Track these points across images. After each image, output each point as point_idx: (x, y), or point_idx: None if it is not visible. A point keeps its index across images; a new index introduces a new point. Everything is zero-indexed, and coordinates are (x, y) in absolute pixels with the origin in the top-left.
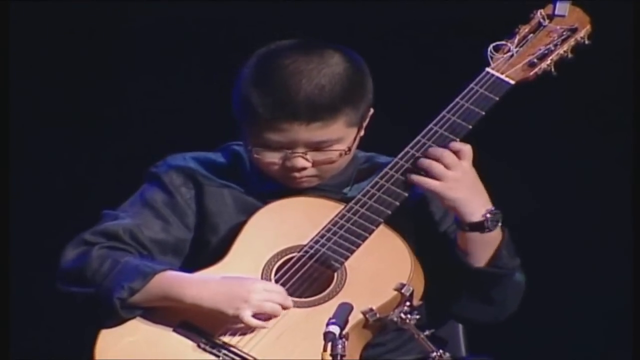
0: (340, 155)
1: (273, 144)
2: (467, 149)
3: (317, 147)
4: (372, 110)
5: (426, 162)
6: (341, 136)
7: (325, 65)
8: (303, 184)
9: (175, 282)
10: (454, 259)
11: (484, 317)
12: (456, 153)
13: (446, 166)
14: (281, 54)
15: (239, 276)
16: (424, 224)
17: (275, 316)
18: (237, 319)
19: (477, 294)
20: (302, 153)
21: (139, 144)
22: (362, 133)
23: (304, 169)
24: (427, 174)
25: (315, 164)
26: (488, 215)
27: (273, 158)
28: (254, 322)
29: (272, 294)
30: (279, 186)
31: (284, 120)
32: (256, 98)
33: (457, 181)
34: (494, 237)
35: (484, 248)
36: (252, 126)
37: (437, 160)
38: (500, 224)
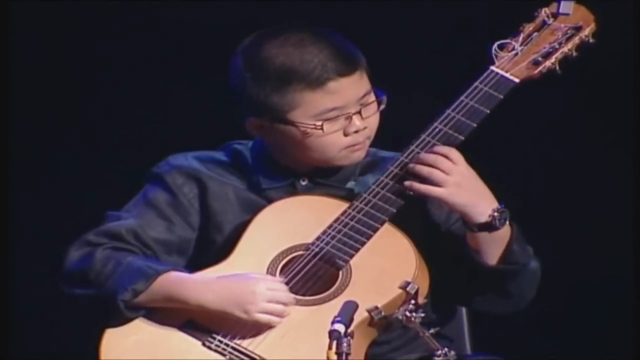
0: (378, 105)
1: (330, 111)
2: (454, 153)
3: (363, 102)
4: (383, 106)
5: (425, 170)
6: (370, 87)
7: (319, 31)
8: (359, 151)
9: (179, 283)
10: (467, 256)
11: (503, 309)
12: (446, 157)
13: (444, 172)
14: (279, 38)
15: (242, 274)
16: (433, 220)
17: (284, 315)
18: (246, 320)
19: (494, 289)
20: (357, 112)
21: (141, 144)
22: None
23: (365, 128)
24: (428, 181)
25: (366, 121)
26: (495, 214)
27: (335, 127)
28: (268, 318)
29: (277, 292)
30: (283, 183)
31: (332, 79)
32: (301, 73)
33: (459, 186)
34: (504, 233)
35: (495, 246)
36: (306, 104)
37: (432, 166)
38: (507, 221)
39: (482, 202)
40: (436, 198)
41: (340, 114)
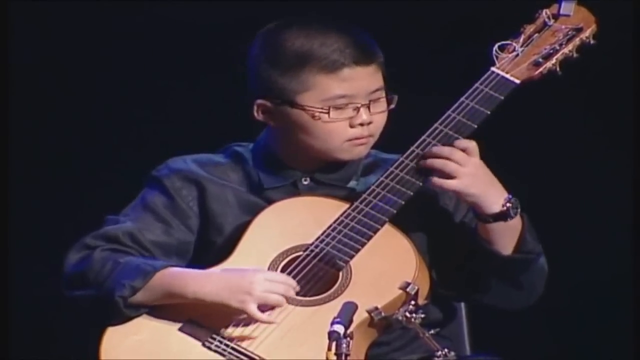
0: (388, 104)
1: (339, 98)
2: (473, 146)
3: (373, 97)
4: (393, 105)
5: (439, 162)
6: (383, 85)
7: (341, 23)
8: (362, 146)
9: (177, 278)
10: (480, 249)
11: (515, 303)
12: (464, 151)
13: (458, 164)
14: (301, 24)
15: (240, 268)
16: (438, 217)
17: (279, 306)
18: (241, 312)
19: (507, 281)
20: (366, 105)
21: (141, 145)
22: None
23: (370, 123)
24: (441, 173)
25: (373, 117)
26: (508, 204)
27: (341, 115)
28: (259, 315)
29: (274, 284)
30: (284, 182)
31: (348, 65)
32: (318, 55)
33: (473, 177)
34: (516, 223)
35: (508, 235)
36: (318, 87)
37: (447, 159)
38: (519, 210)
39: (495, 192)
40: (451, 190)
41: (349, 102)
